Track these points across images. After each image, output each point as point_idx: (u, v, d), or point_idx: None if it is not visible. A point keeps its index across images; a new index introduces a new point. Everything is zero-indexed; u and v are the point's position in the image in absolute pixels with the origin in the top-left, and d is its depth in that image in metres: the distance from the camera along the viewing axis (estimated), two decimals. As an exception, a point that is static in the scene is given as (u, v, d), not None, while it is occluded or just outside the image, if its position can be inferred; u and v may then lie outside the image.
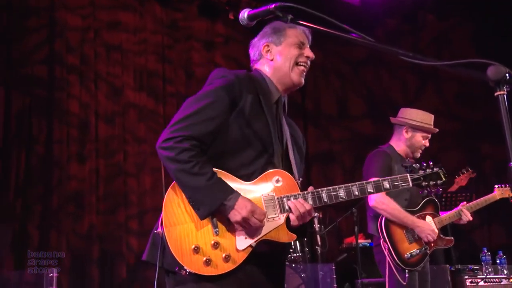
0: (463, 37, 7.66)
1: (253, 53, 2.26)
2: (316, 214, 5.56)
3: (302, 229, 2.03)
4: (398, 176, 2.09)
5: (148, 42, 6.50)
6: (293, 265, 5.16)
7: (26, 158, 5.43)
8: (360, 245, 5.34)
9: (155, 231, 1.94)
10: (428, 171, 2.14)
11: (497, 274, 4.62)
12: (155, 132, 6.30)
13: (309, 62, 2.22)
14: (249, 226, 1.89)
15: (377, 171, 3.50)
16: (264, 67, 2.21)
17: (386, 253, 3.42)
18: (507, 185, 3.88)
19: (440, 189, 2.18)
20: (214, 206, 1.87)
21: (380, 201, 3.43)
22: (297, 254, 5.27)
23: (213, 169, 1.93)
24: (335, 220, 5.77)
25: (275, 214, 1.96)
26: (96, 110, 5.96)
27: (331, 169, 7.66)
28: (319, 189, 2.01)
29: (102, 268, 5.60)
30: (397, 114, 3.87)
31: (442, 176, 2.15)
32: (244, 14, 1.86)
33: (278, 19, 1.80)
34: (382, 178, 2.07)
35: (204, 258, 1.86)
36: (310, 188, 2.01)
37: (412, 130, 3.69)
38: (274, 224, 1.95)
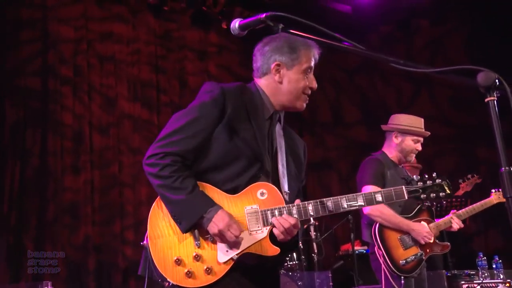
0: (457, 43, 7.71)
1: (260, 64, 2.17)
2: (312, 221, 5.56)
3: (290, 242, 2.00)
4: (392, 188, 2.03)
5: (142, 52, 6.52)
6: (290, 273, 5.15)
7: (21, 170, 5.41)
8: (357, 252, 5.33)
9: (141, 243, 1.99)
10: (429, 183, 2.08)
11: (494, 279, 4.61)
12: (150, 142, 6.19)
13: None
14: (225, 240, 1.90)
15: (370, 179, 3.51)
16: (267, 85, 2.15)
17: (381, 260, 3.41)
18: None
19: (444, 202, 2.12)
20: (194, 219, 1.90)
21: (374, 208, 3.43)
22: (294, 262, 5.25)
23: (198, 182, 1.96)
24: (331, 227, 5.77)
25: (258, 227, 1.95)
26: (90, 121, 5.96)
27: (327, 176, 7.67)
28: (305, 202, 1.98)
29: (98, 279, 5.57)
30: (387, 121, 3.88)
31: (446, 188, 2.07)
32: (235, 24, 1.86)
33: (269, 29, 1.80)
34: (375, 191, 2.01)
35: (186, 270, 1.89)
36: (297, 201, 1.99)
37: (401, 134, 3.70)
38: (256, 237, 1.94)
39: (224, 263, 1.91)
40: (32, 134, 5.57)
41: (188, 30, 6.94)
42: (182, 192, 1.90)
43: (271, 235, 1.95)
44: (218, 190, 1.98)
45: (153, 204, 2.00)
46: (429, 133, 3.77)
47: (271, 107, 2.14)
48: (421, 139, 3.75)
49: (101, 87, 6.15)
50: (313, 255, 5.49)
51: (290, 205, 1.98)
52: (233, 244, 1.91)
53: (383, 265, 3.40)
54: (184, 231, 1.92)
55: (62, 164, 5.67)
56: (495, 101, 1.44)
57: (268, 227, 1.95)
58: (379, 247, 3.42)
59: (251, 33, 1.96)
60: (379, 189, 3.45)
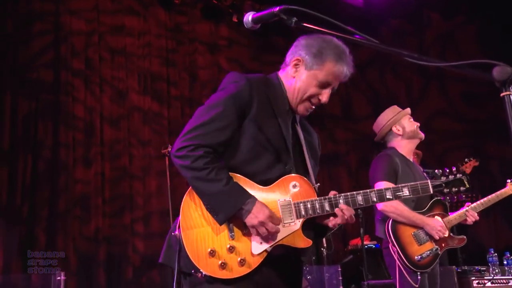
0: (468, 36, 7.64)
1: (289, 54, 2.14)
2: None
3: (322, 230, 2.06)
4: (418, 182, 2.06)
5: (152, 45, 6.53)
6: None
7: (33, 162, 5.46)
8: (366, 246, 5.33)
9: (172, 233, 1.95)
10: (451, 177, 2.11)
11: (505, 275, 4.58)
12: (160, 135, 6.32)
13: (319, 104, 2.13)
14: (265, 231, 1.89)
15: (382, 175, 3.51)
16: (285, 76, 2.14)
17: (395, 257, 3.40)
18: None
19: (463, 196, 2.15)
20: (232, 211, 1.89)
21: (389, 204, 3.42)
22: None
23: (231, 173, 1.95)
24: (341, 221, 5.76)
25: (291, 219, 1.96)
26: (101, 114, 6.00)
27: (336, 170, 7.65)
28: (337, 195, 2.00)
29: (108, 270, 5.62)
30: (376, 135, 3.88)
31: (466, 182, 2.12)
32: (249, 17, 1.86)
33: (283, 22, 1.78)
34: (402, 185, 2.04)
35: (220, 262, 1.88)
36: (332, 193, 2.01)
37: (398, 123, 3.70)
38: (289, 229, 1.95)
39: (258, 254, 1.91)
40: (44, 126, 5.62)
41: (199, 23, 6.93)
42: (218, 184, 1.88)
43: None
44: (251, 181, 1.97)
45: (185, 195, 1.98)
46: (409, 108, 3.78)
47: (289, 101, 2.13)
48: (410, 116, 3.75)
49: (112, 79, 6.18)
50: (322, 249, 5.50)
51: (322, 198, 2.00)
52: (268, 236, 1.90)
53: (397, 261, 3.39)
54: (221, 223, 1.90)
55: (74, 156, 5.72)
56: (511, 95, 1.42)
57: (301, 219, 1.96)
58: (393, 244, 3.41)
59: (263, 26, 1.95)
60: (392, 185, 3.46)
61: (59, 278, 3.83)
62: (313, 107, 2.13)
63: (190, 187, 1.97)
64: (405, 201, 3.47)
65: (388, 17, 7.85)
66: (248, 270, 1.89)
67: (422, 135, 3.76)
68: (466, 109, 7.68)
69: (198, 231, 1.92)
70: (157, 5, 6.65)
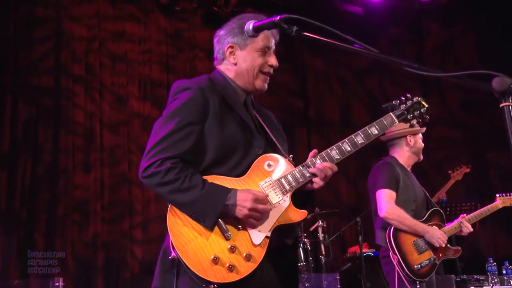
0: (467, 46, 7.67)
1: (217, 50, 2.17)
2: (321, 223, 5.56)
3: (309, 195, 2.06)
4: (382, 118, 2.12)
5: (153, 52, 6.55)
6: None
7: (32, 167, 5.46)
8: (364, 254, 5.32)
9: (169, 257, 1.87)
10: (409, 103, 2.16)
11: (503, 285, 4.57)
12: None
13: (272, 70, 2.15)
14: (258, 215, 1.86)
15: (384, 183, 3.52)
16: (227, 70, 2.14)
17: (395, 264, 3.41)
18: (509, 194, 3.92)
19: (428, 117, 2.20)
20: (217, 211, 1.84)
21: (392, 212, 3.44)
22: (301, 264, 5.25)
23: (204, 177, 1.91)
24: (339, 229, 5.76)
25: (279, 197, 1.95)
26: (101, 119, 6.00)
27: (335, 178, 7.61)
28: (313, 158, 2.02)
29: (106, 276, 5.61)
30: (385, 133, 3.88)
31: (424, 103, 2.17)
32: (249, 25, 1.87)
33: (283, 31, 1.79)
34: (369, 125, 2.10)
35: (226, 265, 1.83)
36: (311, 154, 2.03)
37: (413, 136, 3.73)
38: (281, 208, 1.94)
39: (260, 244, 1.87)
40: (44, 131, 5.63)
41: (199, 30, 6.96)
42: (194, 190, 1.84)
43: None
44: (227, 177, 1.94)
45: (168, 215, 1.91)
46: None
47: (242, 92, 2.13)
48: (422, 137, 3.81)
49: (112, 85, 6.20)
50: (320, 256, 5.49)
51: (300, 166, 2.00)
52: (263, 222, 1.88)
53: (397, 270, 3.40)
54: (211, 227, 1.85)
55: (73, 161, 5.72)
56: (510, 106, 1.43)
57: (288, 194, 1.96)
58: (394, 252, 3.42)
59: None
60: (394, 193, 3.49)
61: (57, 284, 3.83)
62: (268, 77, 2.14)
63: (170, 204, 1.92)
64: (404, 210, 3.49)
65: (387, 25, 7.89)
66: (256, 264, 1.85)
67: (422, 158, 3.83)
68: (465, 116, 7.69)
69: (194, 244, 1.85)
70: (158, 11, 6.68)
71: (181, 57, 6.80)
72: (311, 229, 5.69)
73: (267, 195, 1.92)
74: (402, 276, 3.39)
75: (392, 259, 3.44)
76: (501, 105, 1.44)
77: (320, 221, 5.54)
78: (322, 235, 5.53)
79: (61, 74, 5.86)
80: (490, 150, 7.29)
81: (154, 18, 6.66)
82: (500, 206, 3.93)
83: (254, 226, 1.88)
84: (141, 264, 5.82)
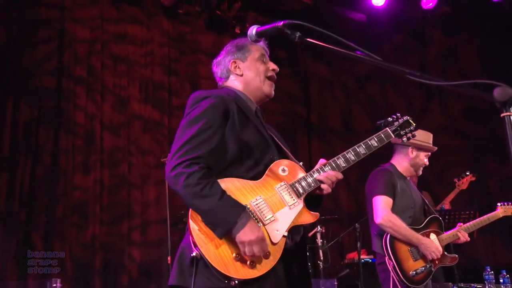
0: (470, 53, 7.67)
1: (219, 71, 2.36)
2: (319, 229, 5.55)
3: (319, 200, 2.20)
4: (381, 132, 2.31)
5: (155, 54, 6.56)
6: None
7: (32, 168, 5.46)
8: (362, 260, 5.31)
9: (191, 255, 1.94)
10: (401, 120, 2.40)
11: (501, 293, 4.56)
12: (160, 144, 6.32)
13: (275, 74, 2.34)
14: (251, 251, 1.91)
15: (381, 189, 3.52)
16: (235, 83, 2.31)
17: (391, 270, 3.41)
18: (510, 203, 3.90)
19: (415, 135, 2.39)
20: (228, 225, 1.92)
21: (387, 219, 3.43)
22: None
23: (226, 178, 2.02)
24: (338, 235, 5.75)
25: (294, 200, 2.09)
26: (101, 121, 6.01)
27: (336, 185, 7.63)
28: (322, 165, 2.20)
29: (104, 278, 5.59)
30: None
31: (412, 122, 2.42)
32: (253, 30, 1.87)
33: (286, 37, 1.80)
34: (369, 138, 2.28)
35: (248, 262, 1.93)
36: (320, 162, 2.20)
37: (417, 150, 3.72)
38: (296, 210, 2.07)
39: (278, 243, 1.99)
40: (45, 132, 5.63)
41: (202, 33, 6.97)
42: (212, 198, 1.92)
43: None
44: (245, 180, 2.06)
45: (190, 213, 1.99)
46: (436, 148, 3.80)
47: (252, 103, 2.29)
48: (430, 154, 3.79)
49: (114, 87, 6.20)
50: (319, 262, 5.48)
51: (311, 171, 2.16)
52: (279, 222, 2.01)
53: (393, 276, 3.39)
54: (221, 237, 1.93)
55: (73, 162, 5.72)
56: (511, 116, 1.43)
57: (302, 197, 2.10)
58: (389, 258, 3.42)
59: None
60: (390, 199, 3.48)
61: (55, 285, 3.82)
62: (273, 82, 2.34)
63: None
64: (402, 217, 3.49)
65: (391, 33, 7.89)
66: (275, 261, 1.97)
67: (420, 174, 3.83)
68: (467, 125, 7.69)
69: (216, 242, 1.94)
70: (161, 14, 6.69)
71: (183, 60, 6.81)
72: (310, 234, 5.68)
73: (267, 244, 1.97)
74: (397, 282, 3.39)
75: (388, 265, 3.43)
76: (502, 115, 1.44)
77: (318, 226, 5.53)
78: (321, 240, 5.52)
79: (63, 75, 5.87)
80: (491, 159, 7.28)
81: (157, 21, 6.67)
82: (501, 215, 3.91)
83: (272, 226, 2.01)
84: (139, 267, 5.80)
